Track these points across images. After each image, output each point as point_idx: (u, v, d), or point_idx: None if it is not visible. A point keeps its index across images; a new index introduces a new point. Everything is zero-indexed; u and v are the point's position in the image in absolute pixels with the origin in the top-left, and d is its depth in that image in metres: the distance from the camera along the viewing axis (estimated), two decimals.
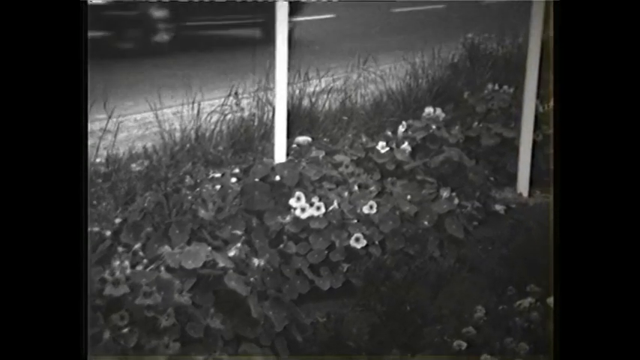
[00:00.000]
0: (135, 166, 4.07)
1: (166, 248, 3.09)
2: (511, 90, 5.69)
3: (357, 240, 3.80)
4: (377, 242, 3.88)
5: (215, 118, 5.18)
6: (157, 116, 5.03)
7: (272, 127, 4.56)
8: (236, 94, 5.37)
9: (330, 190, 4.09)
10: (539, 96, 5.02)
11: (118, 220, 3.46)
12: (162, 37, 11.09)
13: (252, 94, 5.50)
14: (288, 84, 4.43)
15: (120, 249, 3.11)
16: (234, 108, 5.33)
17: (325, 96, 6.05)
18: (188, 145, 4.83)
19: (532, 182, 4.97)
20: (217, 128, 5.09)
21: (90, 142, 3.94)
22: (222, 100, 5.37)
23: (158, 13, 11.32)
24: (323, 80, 6.26)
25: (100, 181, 3.93)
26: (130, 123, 6.01)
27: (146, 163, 4.16)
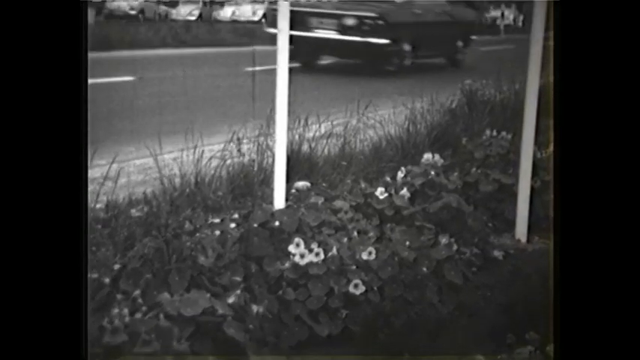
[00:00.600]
0: (134, 212, 4.08)
1: (165, 295, 3.10)
2: (509, 136, 5.72)
3: (356, 286, 3.80)
4: (376, 288, 3.88)
5: (215, 163, 5.20)
6: (157, 162, 5.06)
7: (272, 172, 4.58)
8: (238, 139, 5.40)
9: (329, 235, 4.10)
10: (537, 142, 5.05)
11: (117, 267, 3.47)
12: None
13: (253, 140, 5.54)
14: (288, 129, 4.47)
15: (119, 296, 3.12)
16: (235, 153, 5.36)
17: (324, 141, 6.08)
18: (187, 191, 4.85)
19: (530, 228, 4.98)
20: (217, 173, 5.11)
21: (90, 188, 3.95)
22: (223, 145, 5.40)
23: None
24: (322, 126, 6.30)
25: (99, 227, 3.94)
26: (131, 168, 6.04)
27: (146, 209, 4.17)
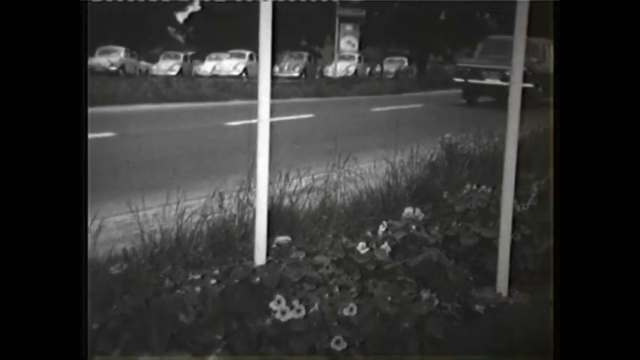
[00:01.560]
0: (114, 270, 4.06)
1: (145, 356, 3.06)
2: (489, 190, 5.75)
3: (338, 342, 3.78)
4: (357, 344, 3.86)
5: (196, 218, 5.19)
6: (137, 218, 5.04)
7: (253, 227, 4.57)
8: (219, 194, 5.40)
9: (310, 291, 4.08)
10: (516, 196, 5.07)
11: (95, 326, 3.43)
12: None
13: (234, 195, 5.54)
14: (269, 184, 4.48)
15: (97, 358, 3.08)
16: (216, 209, 5.36)
17: (305, 195, 6.09)
18: (168, 247, 4.83)
19: (511, 282, 4.98)
20: (198, 229, 5.10)
21: None
22: (204, 200, 5.39)
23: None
24: (303, 180, 6.32)
25: None
26: (111, 225, 6.01)
27: (125, 266, 4.15)
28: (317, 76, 42.35)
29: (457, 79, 23.66)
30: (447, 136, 8.26)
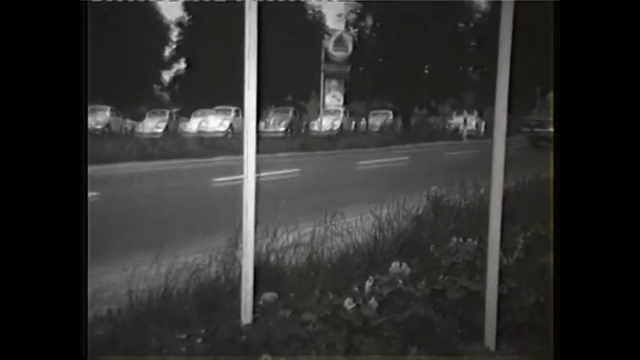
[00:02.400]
0: (98, 331, 4.02)
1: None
2: (475, 242, 5.76)
3: None
4: None
5: (183, 276, 5.17)
6: (124, 277, 5.02)
7: (239, 284, 4.56)
8: (207, 252, 5.40)
9: (297, 349, 4.06)
10: (502, 248, 5.08)
11: None
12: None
13: (221, 252, 5.53)
14: (256, 240, 4.47)
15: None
16: (203, 266, 5.34)
17: (292, 251, 6.08)
18: (155, 306, 4.80)
19: (499, 335, 4.96)
20: (184, 287, 5.08)
21: None
22: (191, 258, 5.38)
23: None
24: (290, 235, 6.31)
25: None
26: (97, 285, 5.98)
27: (110, 326, 4.11)
28: (303, 131, 42.52)
29: (524, 129, 27.39)
30: (433, 188, 8.29)
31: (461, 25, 58.55)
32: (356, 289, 5.14)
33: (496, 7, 4.44)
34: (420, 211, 7.84)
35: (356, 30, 54.92)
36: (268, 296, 4.83)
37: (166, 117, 43.31)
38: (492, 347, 4.93)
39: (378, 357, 2.96)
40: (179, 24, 56.51)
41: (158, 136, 34.18)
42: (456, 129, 45.13)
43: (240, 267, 4.65)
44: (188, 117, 44.29)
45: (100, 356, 2.53)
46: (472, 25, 58.37)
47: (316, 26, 55.97)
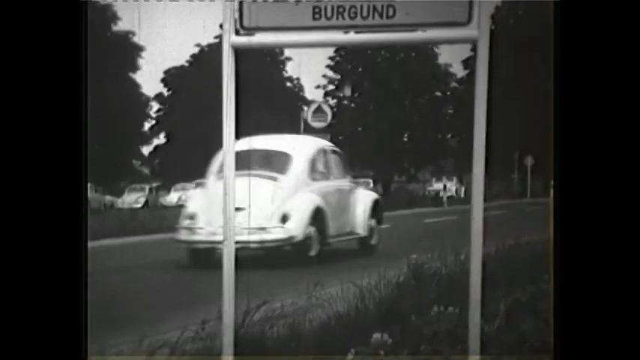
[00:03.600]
0: None
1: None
2: (456, 310, 5.72)
3: None
4: None
5: (162, 355, 5.09)
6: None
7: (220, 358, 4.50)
8: (186, 328, 5.33)
9: None
10: (483, 316, 5.04)
11: None
12: None
13: (200, 328, 5.46)
14: (236, 311, 4.43)
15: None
16: (182, 343, 5.27)
17: (273, 322, 6.02)
18: None
19: None
20: None
21: None
22: (170, 336, 5.31)
23: None
24: (271, 306, 6.26)
25: None
26: None
27: None
28: None
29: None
30: (414, 256, 8.27)
31: (438, 93, 59.38)
32: None
33: (472, 75, 4.51)
34: (401, 279, 7.81)
35: (335, 100, 55.55)
36: None
37: (146, 191, 43.29)
38: None
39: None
40: (158, 98, 56.95)
41: (138, 209, 34.11)
42: (436, 195, 45.37)
43: (221, 341, 4.58)
44: (168, 191, 44.31)
45: (100, 356, 2.49)
46: (449, 93, 59.21)
47: (295, 97, 56.55)
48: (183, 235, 12.51)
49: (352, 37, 4.34)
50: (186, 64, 56.81)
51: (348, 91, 54.55)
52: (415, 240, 16.33)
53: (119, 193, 43.46)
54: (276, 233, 12.11)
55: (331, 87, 57.70)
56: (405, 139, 58.37)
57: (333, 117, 41.24)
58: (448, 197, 41.81)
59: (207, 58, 51.21)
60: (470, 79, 47.21)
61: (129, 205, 38.96)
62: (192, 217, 12.37)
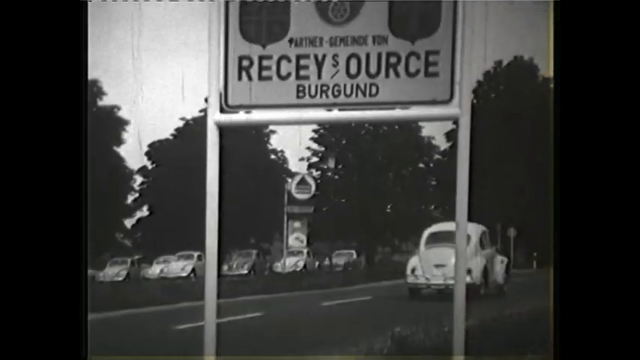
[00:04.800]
0: None
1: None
2: None
3: None
4: None
5: None
6: None
7: None
8: None
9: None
10: None
11: None
12: None
13: None
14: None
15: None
16: None
17: None
18: None
19: None
20: None
21: None
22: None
23: None
24: None
25: None
26: None
27: None
28: (266, 272, 42.39)
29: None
30: (397, 329, 8.26)
31: (421, 165, 59.75)
32: None
33: (454, 147, 4.59)
34: (385, 352, 7.79)
35: (318, 172, 55.77)
36: None
37: (128, 264, 43.00)
38: None
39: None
40: (142, 171, 57.00)
41: (119, 282, 33.84)
42: None
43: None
44: (150, 263, 44.03)
45: (100, 356, 2.48)
46: (432, 165, 59.58)
47: (279, 169, 56.73)
48: (410, 280, 20.13)
49: (336, 114, 4.42)
50: (171, 138, 57.03)
51: (332, 163, 54.79)
52: (399, 312, 16.30)
53: (101, 267, 43.14)
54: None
55: (315, 159, 57.96)
56: (389, 210, 58.46)
57: (316, 188, 41.41)
58: None
59: (191, 131, 51.47)
60: (452, 152, 47.64)
61: (110, 279, 38.65)
62: (413, 270, 20.04)
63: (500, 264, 21.41)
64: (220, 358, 3.25)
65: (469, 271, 18.09)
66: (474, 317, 7.00)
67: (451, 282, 15.88)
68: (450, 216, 5.06)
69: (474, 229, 19.64)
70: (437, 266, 19.02)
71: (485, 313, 9.16)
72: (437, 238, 19.74)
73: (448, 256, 18.10)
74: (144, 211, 57.46)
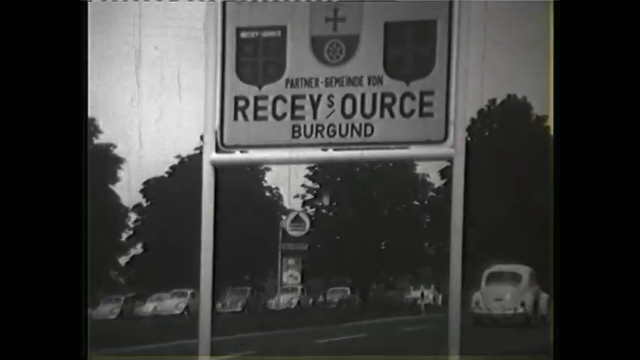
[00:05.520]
0: None
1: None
2: None
3: None
4: None
5: None
6: None
7: None
8: None
9: None
10: None
11: None
12: None
13: None
14: None
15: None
16: None
17: None
18: None
19: None
20: None
21: None
22: None
23: None
24: None
25: None
26: None
27: None
28: (260, 310, 42.23)
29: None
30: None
31: (415, 202, 59.77)
32: None
33: (449, 185, 4.62)
34: None
35: (313, 209, 55.74)
36: None
37: (121, 302, 42.78)
38: None
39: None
40: (136, 209, 56.89)
41: (112, 320, 33.64)
42: (414, 302, 45.16)
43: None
44: (144, 301, 43.82)
45: (100, 356, 2.48)
46: (426, 202, 59.59)
47: (274, 206, 56.68)
48: (475, 310, 24.53)
49: (331, 154, 4.44)
50: (166, 175, 57.03)
51: (326, 201, 54.81)
52: (393, 350, 16.22)
53: (94, 305, 42.91)
54: (518, 310, 24.50)
55: (310, 196, 57.96)
56: (383, 247, 58.36)
57: (311, 225, 41.42)
58: (426, 305, 41.61)
59: (186, 169, 51.49)
60: (446, 189, 47.70)
61: (103, 317, 38.43)
62: (477, 302, 24.55)
63: (544, 299, 25.06)
64: (214, 358, 3.26)
65: (522, 304, 24.24)
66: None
67: (509, 312, 23.97)
68: (445, 253, 5.06)
69: (526, 270, 25.69)
70: (496, 300, 24.39)
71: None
72: (495, 277, 25.34)
73: (505, 292, 24.42)
74: (138, 249, 57.28)
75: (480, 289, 25.18)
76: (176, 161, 56.43)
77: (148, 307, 41.97)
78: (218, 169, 4.39)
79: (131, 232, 57.25)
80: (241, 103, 4.33)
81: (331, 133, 4.25)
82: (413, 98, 4.26)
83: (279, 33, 4.27)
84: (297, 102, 4.29)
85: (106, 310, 41.28)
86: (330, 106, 4.27)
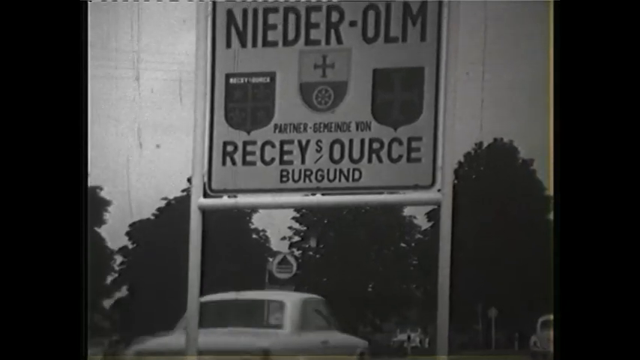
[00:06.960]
0: None
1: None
2: None
3: None
4: None
5: None
6: None
7: None
8: None
9: None
10: None
11: None
12: None
13: None
14: None
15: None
16: None
17: None
18: None
19: None
20: None
21: None
22: None
23: None
24: None
25: None
26: None
27: None
28: None
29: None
30: None
31: (402, 245, 59.73)
32: None
33: (436, 227, 4.63)
34: None
35: (300, 252, 55.60)
36: None
37: (105, 346, 42.36)
38: None
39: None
40: (122, 251, 56.62)
41: None
42: (401, 345, 44.95)
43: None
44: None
45: (100, 356, 2.44)
46: (413, 244, 59.56)
47: (261, 248, 56.51)
48: (533, 349, 29.74)
49: (319, 198, 4.46)
50: (152, 218, 56.83)
51: (313, 243, 54.70)
52: None
53: None
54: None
55: (297, 238, 57.83)
56: (370, 290, 58.19)
57: (298, 268, 41.21)
58: (412, 348, 41.40)
59: (173, 211, 51.35)
60: (433, 231, 47.74)
61: None
62: (535, 343, 28.90)
63: None
64: (201, 358, 3.23)
65: None
66: None
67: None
68: (432, 296, 5.06)
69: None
70: (549, 340, 27.17)
71: None
72: (548, 324, 28.15)
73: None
74: (123, 292, 56.89)
75: (535, 332, 30.74)
76: (162, 204, 56.30)
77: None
78: (206, 213, 4.39)
79: (116, 275, 56.92)
80: (230, 148, 4.36)
81: (319, 178, 4.27)
82: (400, 144, 4.30)
83: (268, 79, 4.31)
84: (286, 147, 4.32)
85: (89, 353, 40.88)
86: (318, 151, 4.30)
